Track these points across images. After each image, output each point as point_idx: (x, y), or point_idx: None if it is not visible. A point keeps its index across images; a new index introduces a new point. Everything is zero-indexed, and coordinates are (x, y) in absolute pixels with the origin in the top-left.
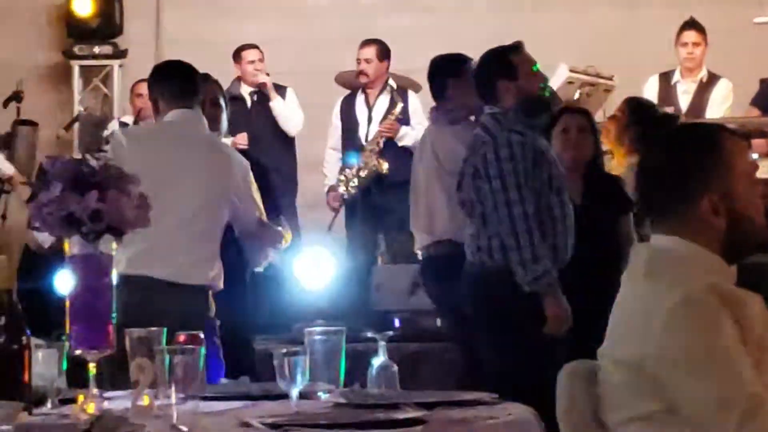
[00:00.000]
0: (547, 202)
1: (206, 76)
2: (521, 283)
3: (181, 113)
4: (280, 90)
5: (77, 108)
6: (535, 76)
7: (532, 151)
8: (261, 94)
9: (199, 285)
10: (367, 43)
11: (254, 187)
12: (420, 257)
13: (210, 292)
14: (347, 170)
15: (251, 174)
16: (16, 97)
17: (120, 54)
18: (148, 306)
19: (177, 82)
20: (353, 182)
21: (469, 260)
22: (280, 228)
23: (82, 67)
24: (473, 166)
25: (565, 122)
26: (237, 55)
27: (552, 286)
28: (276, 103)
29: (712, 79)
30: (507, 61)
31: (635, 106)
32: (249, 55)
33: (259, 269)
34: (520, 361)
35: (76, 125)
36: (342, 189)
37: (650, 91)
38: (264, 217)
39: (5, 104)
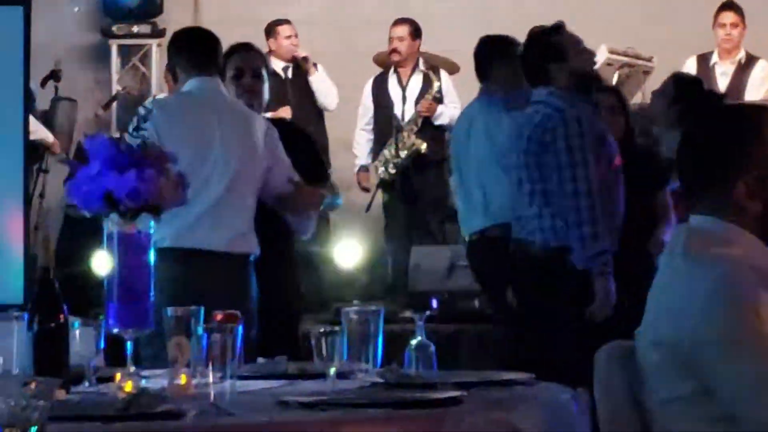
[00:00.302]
0: (608, 181)
1: (248, 46)
2: (577, 261)
3: (199, 81)
4: (311, 67)
5: (115, 87)
6: (584, 53)
7: (597, 128)
8: (296, 69)
9: (243, 253)
10: (400, 21)
11: (281, 147)
12: (468, 240)
13: (252, 261)
14: (386, 151)
15: (277, 133)
16: (55, 76)
17: (158, 33)
18: (193, 279)
19: (194, 49)
20: (393, 163)
21: (526, 240)
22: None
23: (120, 46)
24: (539, 142)
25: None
26: (271, 30)
27: (606, 267)
28: (315, 77)
29: (751, 60)
30: (554, 44)
31: (680, 82)
32: (285, 30)
33: (307, 237)
34: (569, 342)
35: (115, 104)
36: (382, 170)
37: (689, 72)
38: (297, 177)
39: (43, 83)
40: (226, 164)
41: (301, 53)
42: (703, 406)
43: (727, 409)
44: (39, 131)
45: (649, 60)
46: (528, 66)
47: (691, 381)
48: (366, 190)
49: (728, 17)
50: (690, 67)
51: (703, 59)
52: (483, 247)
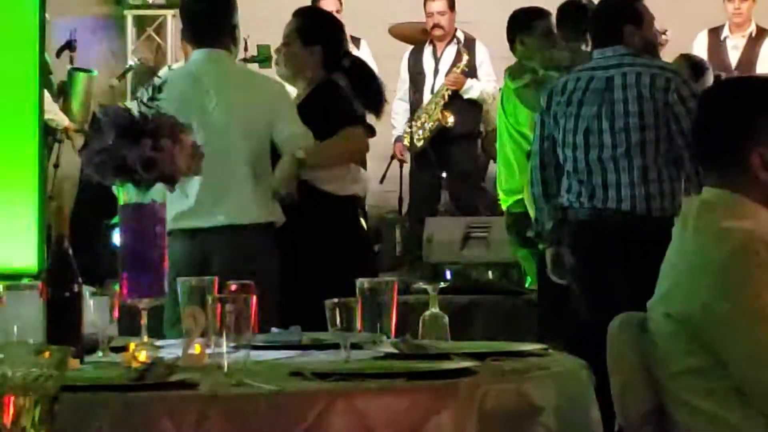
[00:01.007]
0: None
1: (295, 12)
2: None
3: (198, 54)
4: (355, 41)
5: (130, 58)
6: (653, 26)
7: None
8: None
9: (253, 223)
10: None
11: (289, 107)
12: (508, 212)
13: (269, 231)
14: (413, 122)
15: (290, 96)
16: (69, 45)
17: (174, 4)
18: (197, 256)
19: (194, 22)
20: (418, 134)
21: (624, 209)
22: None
23: (135, 16)
24: (652, 100)
25: None
26: (314, 2)
27: None
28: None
29: (762, 33)
30: (634, 7)
31: (691, 63)
32: (327, 4)
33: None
34: None
35: (130, 75)
36: (406, 141)
37: (700, 47)
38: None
39: (58, 53)
40: (222, 137)
41: None
42: (714, 379)
43: (738, 382)
44: (54, 113)
45: (664, 33)
46: (601, 23)
47: (702, 353)
48: (403, 161)
49: None
50: (701, 41)
51: (714, 33)
52: (525, 220)
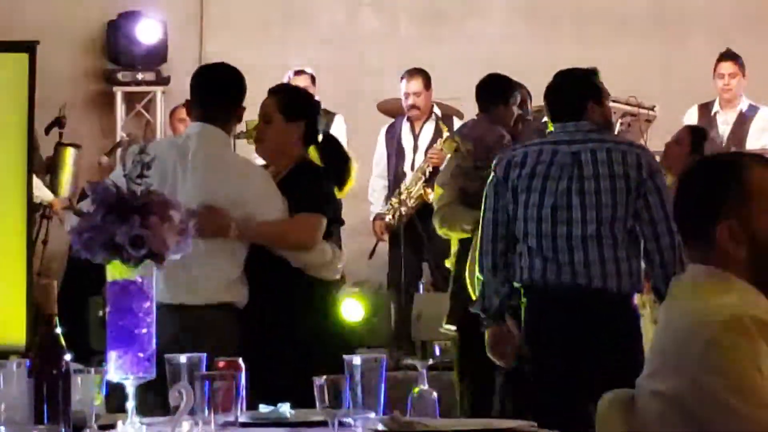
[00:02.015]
0: None
1: (270, 91)
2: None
3: (192, 128)
4: (329, 116)
5: (120, 134)
6: (608, 102)
7: None
8: None
9: (199, 305)
10: (412, 74)
11: (271, 190)
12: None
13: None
14: (394, 199)
15: (262, 179)
16: (58, 122)
17: (163, 80)
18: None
19: (195, 95)
20: (401, 211)
21: (595, 287)
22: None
23: (125, 93)
24: (624, 178)
25: None
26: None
27: None
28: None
29: (752, 108)
30: (595, 83)
31: (698, 136)
32: (299, 80)
33: (299, 265)
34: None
35: (119, 151)
36: (389, 218)
37: (690, 122)
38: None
39: (47, 130)
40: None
41: None
42: None
43: None
44: (38, 188)
45: (651, 109)
46: (566, 100)
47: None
48: (382, 239)
49: (727, 68)
50: (692, 116)
51: (705, 108)
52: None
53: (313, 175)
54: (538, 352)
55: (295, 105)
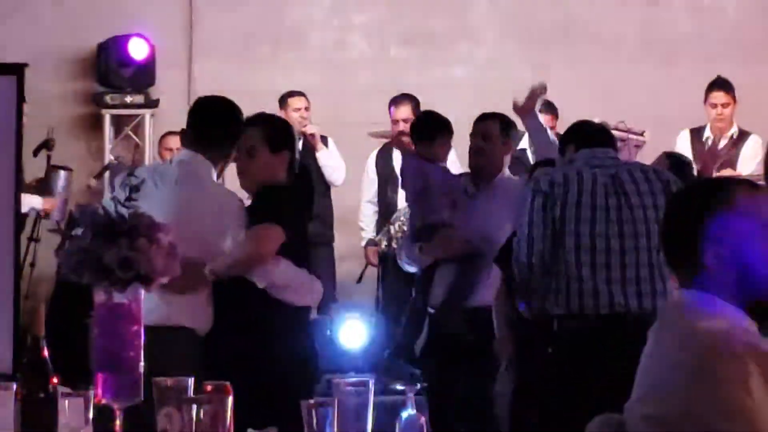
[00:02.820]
0: None
1: (249, 121)
2: None
3: (183, 155)
4: (322, 140)
5: (108, 157)
6: None
7: None
8: (304, 143)
9: (160, 326)
10: (400, 101)
11: (233, 224)
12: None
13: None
14: (391, 226)
15: (234, 211)
16: (47, 145)
17: (152, 103)
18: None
19: (189, 124)
20: (397, 238)
21: (632, 308)
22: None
23: (113, 116)
24: (664, 191)
25: None
26: (283, 102)
27: None
28: (322, 154)
29: (743, 135)
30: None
31: (677, 163)
32: (296, 102)
33: (262, 286)
34: None
35: (107, 174)
36: (384, 245)
37: (682, 146)
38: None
39: (35, 152)
40: None
41: (310, 129)
42: None
43: None
44: (27, 201)
45: (641, 134)
46: (592, 127)
47: None
48: (373, 264)
49: (719, 97)
50: (684, 140)
51: (697, 133)
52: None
53: (274, 192)
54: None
55: (279, 135)
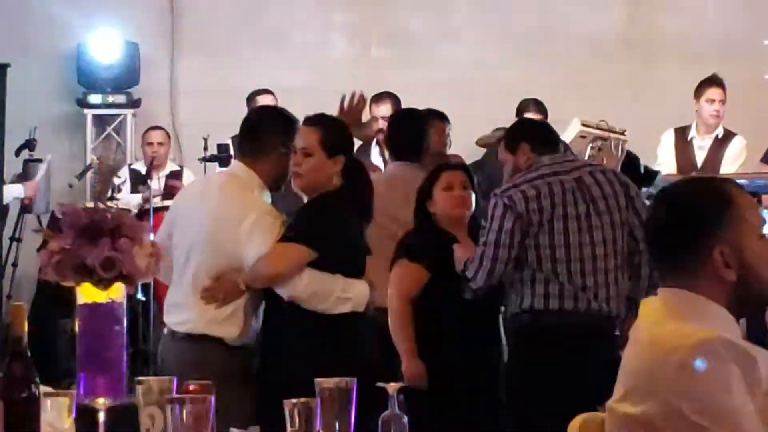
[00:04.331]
0: None
1: (305, 121)
2: None
3: (231, 165)
4: None
5: (90, 157)
6: None
7: None
8: None
9: (187, 333)
10: (380, 98)
11: (255, 229)
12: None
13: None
14: None
15: (266, 225)
16: (29, 145)
17: (134, 103)
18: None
19: (241, 133)
20: None
21: (619, 317)
22: None
23: (95, 116)
24: (625, 195)
25: (447, 179)
26: (251, 100)
27: None
28: None
29: (727, 135)
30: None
31: (627, 159)
32: (264, 99)
33: (287, 298)
34: None
35: (89, 174)
36: None
37: (667, 144)
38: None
39: (17, 153)
40: (189, 248)
41: None
42: None
43: None
44: (9, 191)
45: (623, 133)
46: (544, 131)
47: None
48: None
49: (717, 93)
50: (668, 139)
51: (682, 132)
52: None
53: (318, 206)
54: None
55: (336, 139)
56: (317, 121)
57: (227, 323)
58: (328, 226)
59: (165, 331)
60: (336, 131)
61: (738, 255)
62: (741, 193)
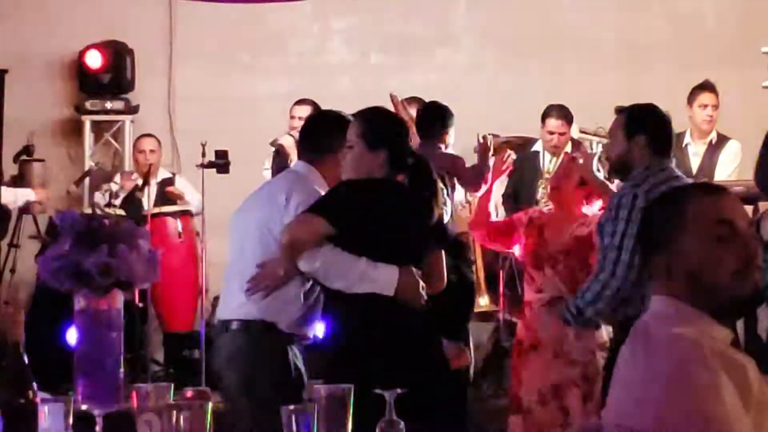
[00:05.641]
0: None
1: (355, 116)
2: None
3: (294, 164)
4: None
5: (88, 163)
6: None
7: None
8: (276, 153)
9: (246, 320)
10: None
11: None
12: None
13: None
14: None
15: (291, 202)
16: (27, 151)
17: (132, 109)
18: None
19: (301, 133)
20: None
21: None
22: None
23: (93, 122)
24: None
25: None
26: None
27: None
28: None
29: (722, 140)
30: None
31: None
32: (300, 110)
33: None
34: None
35: (87, 180)
36: None
37: None
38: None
39: (16, 158)
40: (240, 239)
41: (278, 141)
42: None
43: None
44: (21, 194)
45: None
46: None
47: None
48: None
49: (710, 99)
50: None
51: (677, 138)
52: None
53: (341, 186)
54: None
55: (377, 132)
56: (360, 114)
57: (283, 309)
58: (346, 204)
59: (216, 324)
60: (378, 125)
61: (682, 264)
62: (695, 198)
